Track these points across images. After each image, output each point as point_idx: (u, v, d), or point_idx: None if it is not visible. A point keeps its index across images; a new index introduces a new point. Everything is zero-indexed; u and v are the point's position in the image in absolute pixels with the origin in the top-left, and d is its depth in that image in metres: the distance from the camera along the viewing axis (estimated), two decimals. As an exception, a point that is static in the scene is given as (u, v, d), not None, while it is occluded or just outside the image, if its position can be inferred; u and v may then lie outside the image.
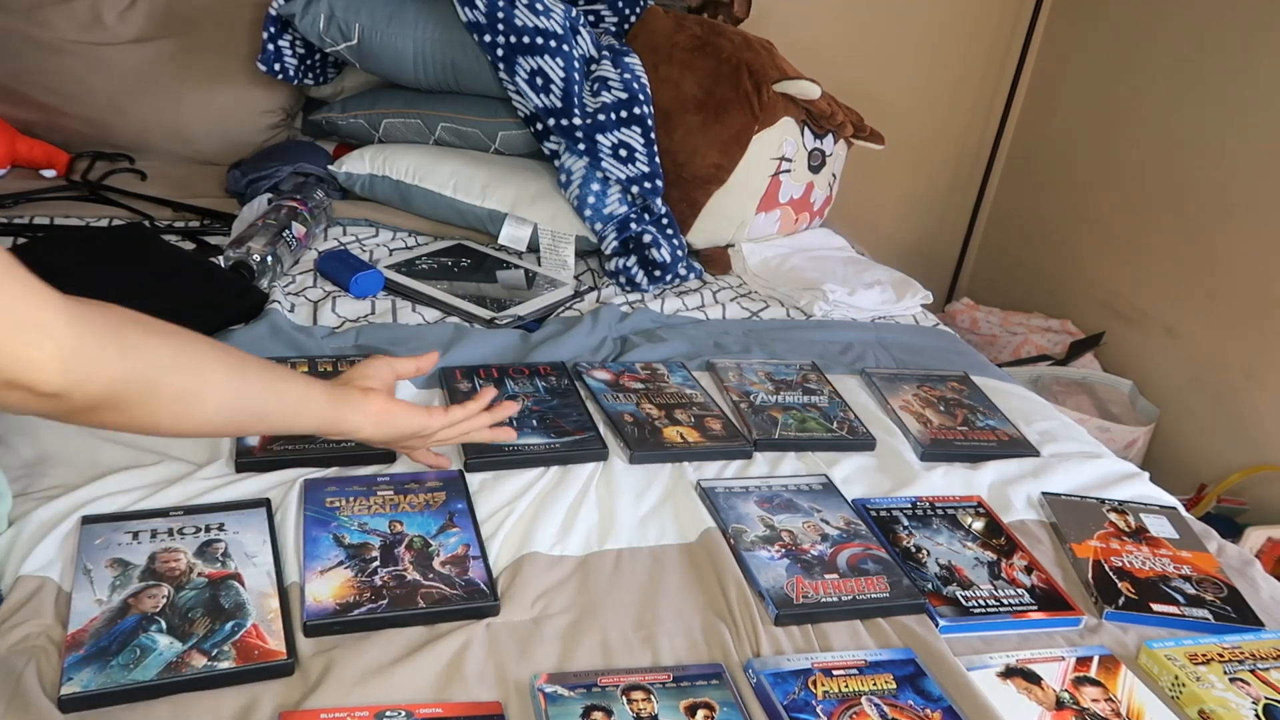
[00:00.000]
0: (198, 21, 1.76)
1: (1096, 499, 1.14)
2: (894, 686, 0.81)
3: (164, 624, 0.75)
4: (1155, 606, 0.97)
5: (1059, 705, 0.82)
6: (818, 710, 0.77)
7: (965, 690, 0.81)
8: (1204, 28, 2.10)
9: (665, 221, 1.59)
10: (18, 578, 0.78)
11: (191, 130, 1.75)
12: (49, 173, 1.64)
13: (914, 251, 2.76)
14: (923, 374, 1.39)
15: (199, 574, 0.81)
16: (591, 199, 1.54)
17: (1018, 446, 1.23)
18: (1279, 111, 1.92)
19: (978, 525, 1.05)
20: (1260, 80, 1.96)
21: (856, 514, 1.03)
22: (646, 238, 1.53)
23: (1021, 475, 1.17)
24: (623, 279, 1.53)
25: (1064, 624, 0.93)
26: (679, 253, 1.57)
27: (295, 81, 1.77)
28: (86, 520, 0.85)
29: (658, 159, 1.57)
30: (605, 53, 1.62)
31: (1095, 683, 0.85)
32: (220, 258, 1.34)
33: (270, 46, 1.70)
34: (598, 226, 1.55)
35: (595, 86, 1.57)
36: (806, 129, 1.70)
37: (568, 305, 1.47)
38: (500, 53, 1.52)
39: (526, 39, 1.51)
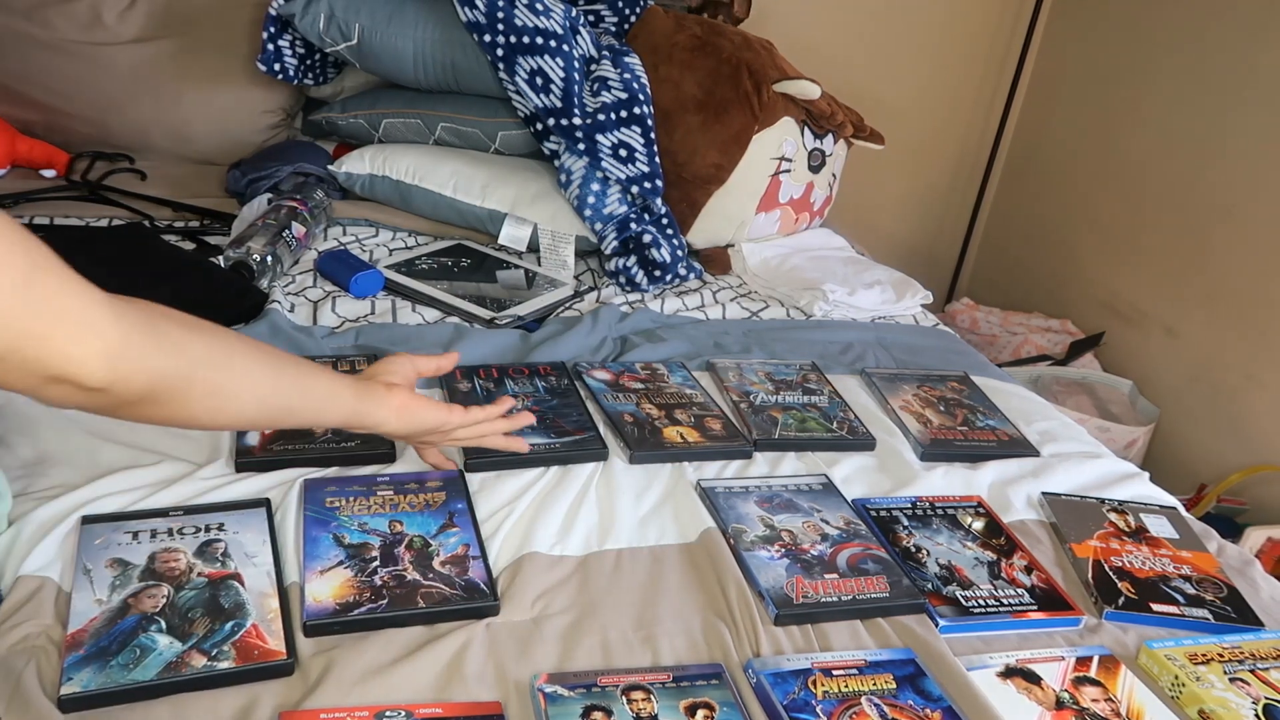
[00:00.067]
0: (198, 21, 1.76)
1: (1096, 499, 1.14)
2: (894, 686, 0.81)
3: (164, 624, 0.75)
4: (1155, 606, 0.97)
5: (1059, 705, 0.82)
6: (817, 710, 0.77)
7: (965, 690, 0.81)
8: (1204, 28, 2.10)
9: (665, 221, 1.59)
10: (18, 578, 0.78)
11: (191, 130, 1.75)
12: (49, 173, 1.64)
13: (914, 251, 2.76)
14: (923, 374, 1.39)
15: (199, 574, 0.81)
16: (591, 199, 1.54)
17: (1018, 446, 1.23)
18: (1279, 111, 1.92)
19: (978, 525, 1.05)
20: (1260, 80, 1.96)
21: (856, 514, 1.03)
22: (646, 238, 1.53)
23: (1021, 475, 1.17)
24: (623, 279, 1.53)
25: (1064, 624, 0.93)
26: (679, 253, 1.57)
27: (295, 81, 1.77)
28: (86, 520, 0.85)
29: (658, 159, 1.57)
30: (605, 53, 1.62)
31: (1095, 683, 0.85)
32: (220, 258, 1.34)
33: (270, 46, 1.70)
34: (598, 226, 1.55)
35: (595, 86, 1.57)
36: (806, 129, 1.70)
37: (568, 305, 1.47)
38: (500, 53, 1.52)
39: (526, 39, 1.51)
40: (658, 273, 1.53)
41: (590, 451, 1.07)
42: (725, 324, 1.49)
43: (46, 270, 0.58)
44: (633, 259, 1.53)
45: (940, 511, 1.06)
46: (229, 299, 1.25)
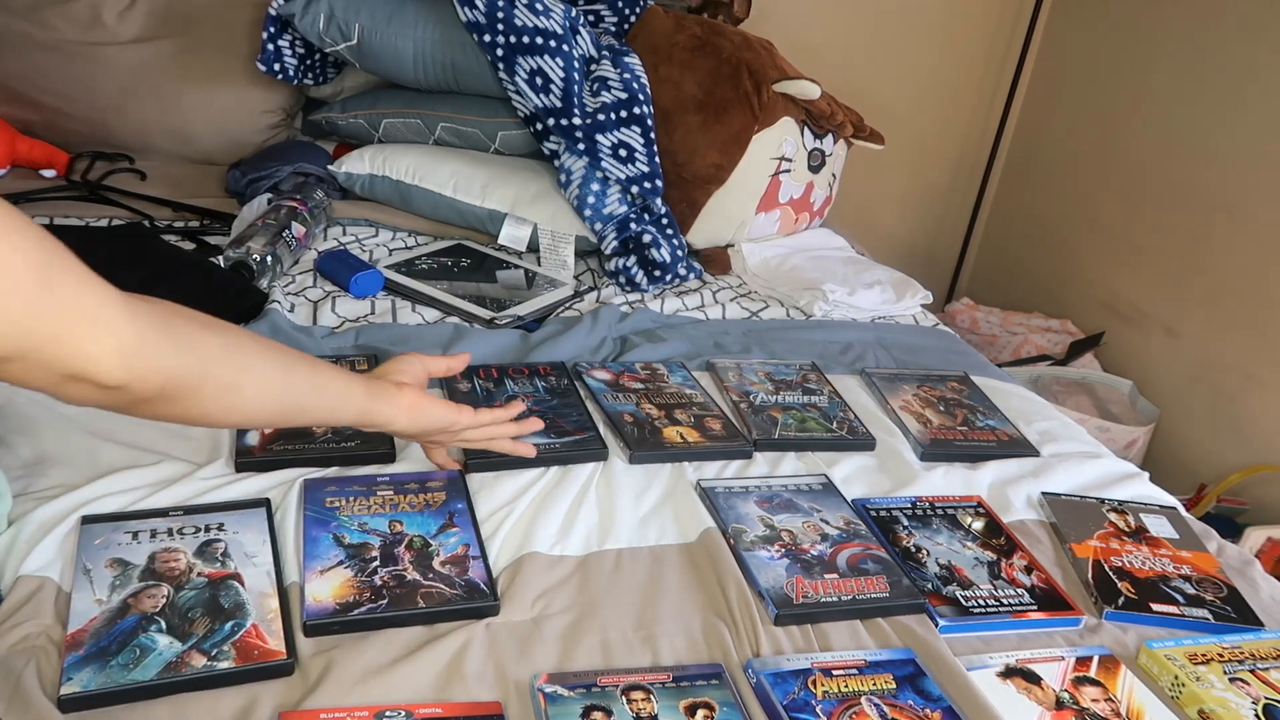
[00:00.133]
0: (198, 21, 1.76)
1: (1096, 499, 1.14)
2: (894, 686, 0.81)
3: (164, 624, 0.75)
4: (1155, 606, 0.97)
5: (1059, 705, 0.82)
6: (817, 710, 0.77)
7: (965, 690, 0.81)
8: (1204, 28, 2.10)
9: (665, 221, 1.59)
10: (17, 578, 0.78)
11: (191, 130, 1.75)
12: (49, 173, 1.64)
13: (914, 251, 2.76)
14: (923, 374, 1.39)
15: (199, 574, 0.81)
16: (591, 199, 1.54)
17: (1018, 446, 1.23)
18: (1278, 111, 1.92)
19: (977, 525, 1.05)
20: (1260, 80, 1.96)
21: (856, 514, 1.03)
22: (646, 238, 1.53)
23: (1021, 475, 1.17)
24: (623, 279, 1.53)
25: (1064, 624, 0.93)
26: (679, 253, 1.57)
27: (295, 81, 1.77)
28: (86, 520, 0.85)
29: (657, 159, 1.57)
30: (605, 53, 1.62)
31: (1095, 683, 0.85)
32: (220, 258, 1.34)
33: (270, 46, 1.70)
34: (597, 226, 1.55)
35: (595, 86, 1.57)
36: (806, 129, 1.70)
37: (567, 305, 1.47)
38: (500, 53, 1.52)
39: (526, 39, 1.51)
40: (658, 273, 1.53)
41: (590, 451, 1.07)
42: (725, 324, 1.49)
43: (65, 270, 0.58)
44: (633, 259, 1.53)
45: (940, 511, 1.06)
46: (229, 299, 1.25)
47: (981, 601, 0.93)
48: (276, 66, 1.72)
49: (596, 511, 0.99)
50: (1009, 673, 0.85)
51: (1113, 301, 2.32)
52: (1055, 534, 1.08)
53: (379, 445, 1.02)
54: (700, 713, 0.75)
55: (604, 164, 1.53)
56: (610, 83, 1.56)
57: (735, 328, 1.47)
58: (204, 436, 1.00)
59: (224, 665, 0.72)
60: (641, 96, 1.56)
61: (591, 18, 1.74)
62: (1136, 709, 0.83)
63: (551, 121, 1.54)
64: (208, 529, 0.86)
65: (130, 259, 1.28)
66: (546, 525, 0.95)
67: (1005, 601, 0.93)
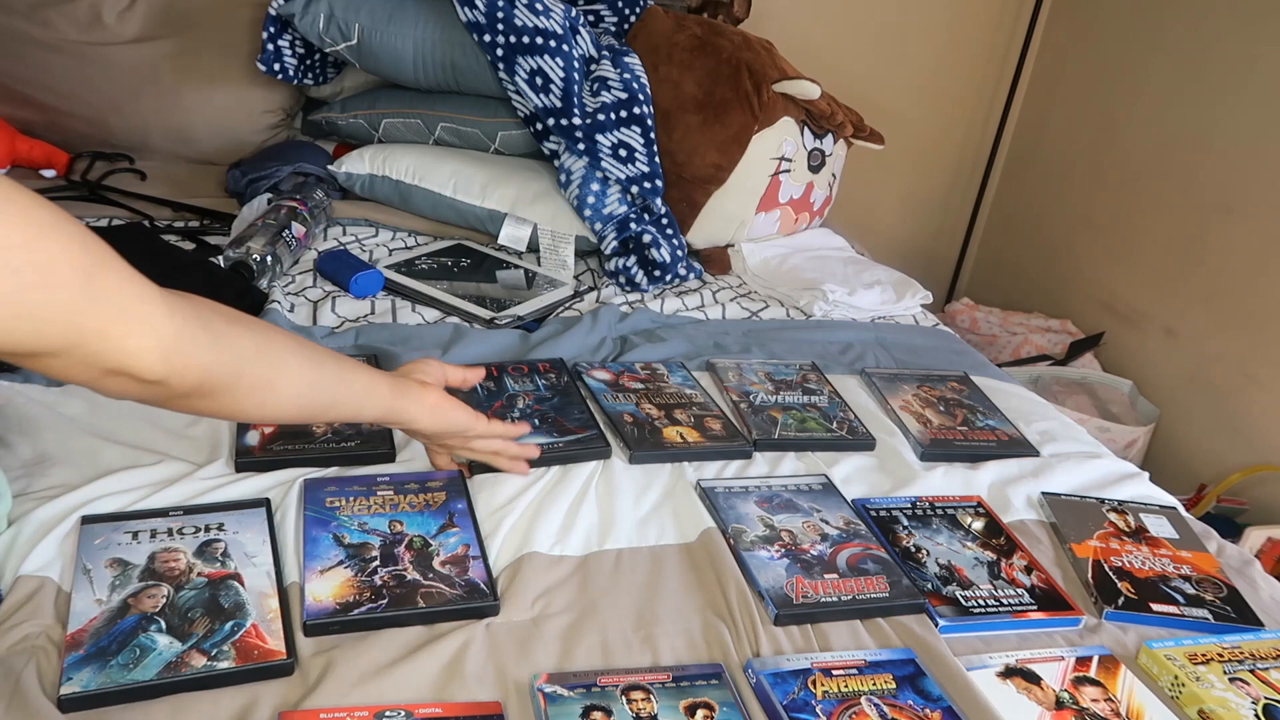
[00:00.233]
0: (198, 21, 1.76)
1: (1096, 499, 1.14)
2: (893, 686, 0.81)
3: (163, 624, 0.75)
4: (1155, 606, 0.97)
5: (1059, 705, 0.82)
6: (817, 710, 0.77)
7: (965, 690, 0.81)
8: (1202, 28, 2.10)
9: (665, 221, 1.59)
10: (17, 578, 0.78)
11: (191, 130, 1.76)
12: (49, 172, 1.64)
13: (914, 251, 2.76)
14: (922, 374, 1.39)
15: (198, 574, 0.81)
16: (591, 199, 1.54)
17: (1017, 446, 1.23)
18: (1278, 111, 1.92)
19: (977, 525, 1.05)
20: (1259, 80, 1.96)
21: (856, 514, 1.03)
22: (646, 238, 1.53)
23: (1021, 475, 1.17)
24: (622, 279, 1.53)
25: (1063, 624, 0.93)
26: (679, 253, 1.57)
27: (295, 81, 1.77)
28: (86, 520, 0.85)
29: (657, 159, 1.57)
30: (605, 53, 1.62)
31: (1095, 683, 0.85)
32: (220, 258, 1.34)
33: (270, 46, 1.70)
34: (597, 226, 1.55)
35: (595, 86, 1.57)
36: (806, 129, 1.70)
37: (567, 305, 1.47)
38: (500, 53, 1.52)
39: (526, 39, 1.51)
40: (657, 273, 1.53)
41: (593, 450, 1.07)
42: (725, 324, 1.49)
43: (106, 267, 0.60)
44: (632, 259, 1.53)
45: (940, 511, 1.06)
46: (229, 299, 1.24)
47: (981, 601, 0.93)
48: (276, 66, 1.72)
49: (596, 511, 0.99)
50: (1009, 673, 0.85)
51: (1112, 301, 2.32)
52: (1055, 534, 1.08)
53: (379, 445, 1.02)
54: (700, 713, 0.75)
55: (604, 164, 1.53)
56: (610, 83, 1.56)
57: (735, 328, 1.47)
58: (204, 436, 1.00)
59: (224, 665, 0.72)
60: (641, 96, 1.56)
61: (591, 18, 1.74)
62: (1136, 709, 0.83)
63: (551, 121, 1.54)
64: (208, 529, 0.86)
65: (130, 259, 1.28)
66: (546, 525, 0.95)
67: (1005, 601, 0.93)
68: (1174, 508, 1.16)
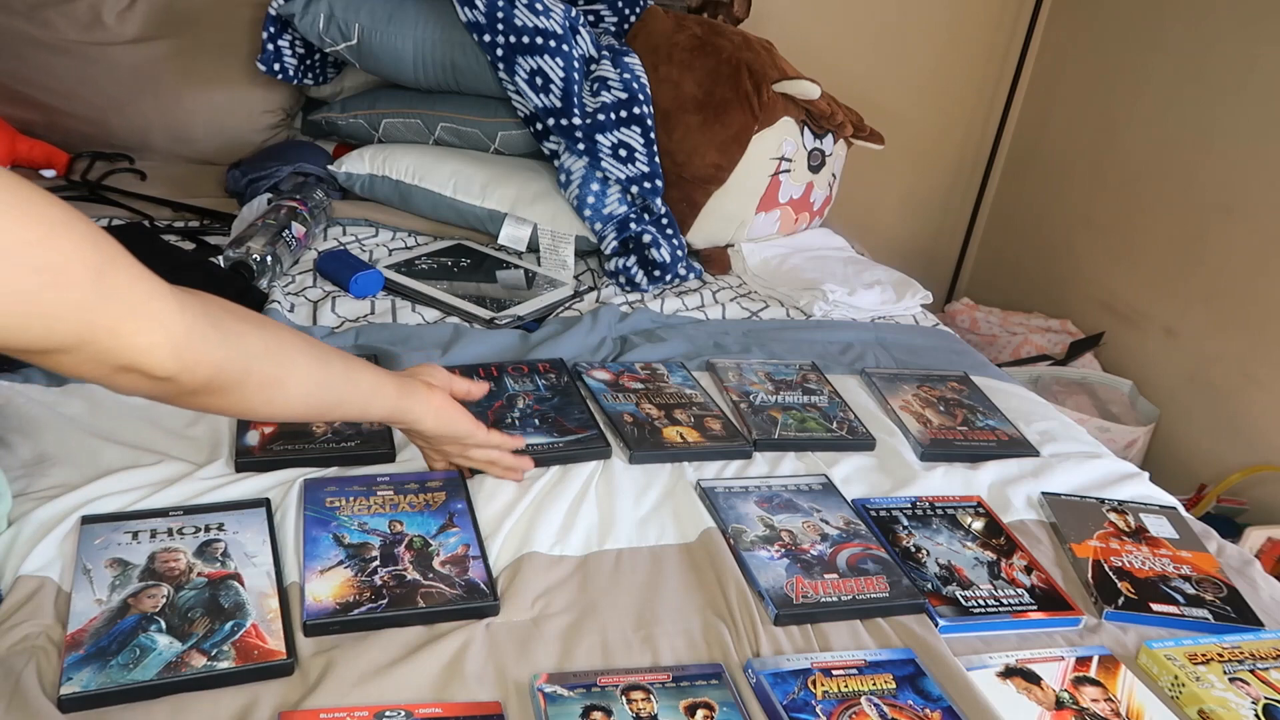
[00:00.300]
0: (198, 21, 1.76)
1: (1096, 499, 1.14)
2: (893, 686, 0.81)
3: (163, 624, 0.75)
4: (1155, 606, 0.97)
5: (1059, 705, 0.82)
6: (817, 710, 0.77)
7: (965, 690, 0.81)
8: (1203, 28, 2.10)
9: (665, 221, 1.59)
10: (17, 578, 0.78)
11: (191, 130, 1.76)
12: (49, 173, 1.64)
13: (914, 251, 2.76)
14: (922, 374, 1.39)
15: (198, 574, 0.81)
16: (591, 199, 1.54)
17: (1018, 446, 1.23)
18: (1278, 111, 1.92)
19: (977, 525, 1.05)
20: (1259, 80, 1.96)
21: (856, 514, 1.03)
22: (646, 238, 1.53)
23: (1021, 475, 1.17)
24: (622, 279, 1.53)
25: (1063, 624, 0.93)
26: (679, 253, 1.57)
27: (295, 81, 1.77)
28: (86, 520, 0.85)
29: (657, 159, 1.57)
30: (605, 53, 1.62)
31: (1095, 683, 0.85)
32: (220, 258, 1.34)
33: (270, 46, 1.70)
34: (597, 226, 1.55)
35: (595, 86, 1.57)
36: (806, 129, 1.70)
37: (567, 305, 1.47)
38: (500, 53, 1.52)
39: (526, 39, 1.51)
40: (657, 273, 1.53)
41: (594, 449, 1.07)
42: (725, 324, 1.49)
43: (117, 264, 0.60)
44: (632, 259, 1.53)
45: (940, 511, 1.06)
46: (229, 299, 1.24)
47: (981, 601, 0.93)
48: (276, 66, 1.72)
49: (596, 511, 0.99)
50: (1009, 673, 0.85)
51: (1112, 301, 2.32)
52: (1055, 534, 1.08)
53: (379, 445, 1.02)
54: (700, 713, 0.75)
55: (604, 164, 1.53)
56: (610, 83, 1.56)
57: (735, 328, 1.47)
58: (204, 436, 1.00)
59: (224, 665, 0.72)
60: (641, 96, 1.56)
61: (591, 18, 1.74)
62: (1136, 709, 0.83)
63: (551, 121, 1.54)
64: (208, 529, 0.86)
65: (130, 259, 1.28)
66: (546, 525, 0.95)
67: (1005, 601, 0.93)
68: (1174, 508, 1.16)
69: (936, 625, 0.90)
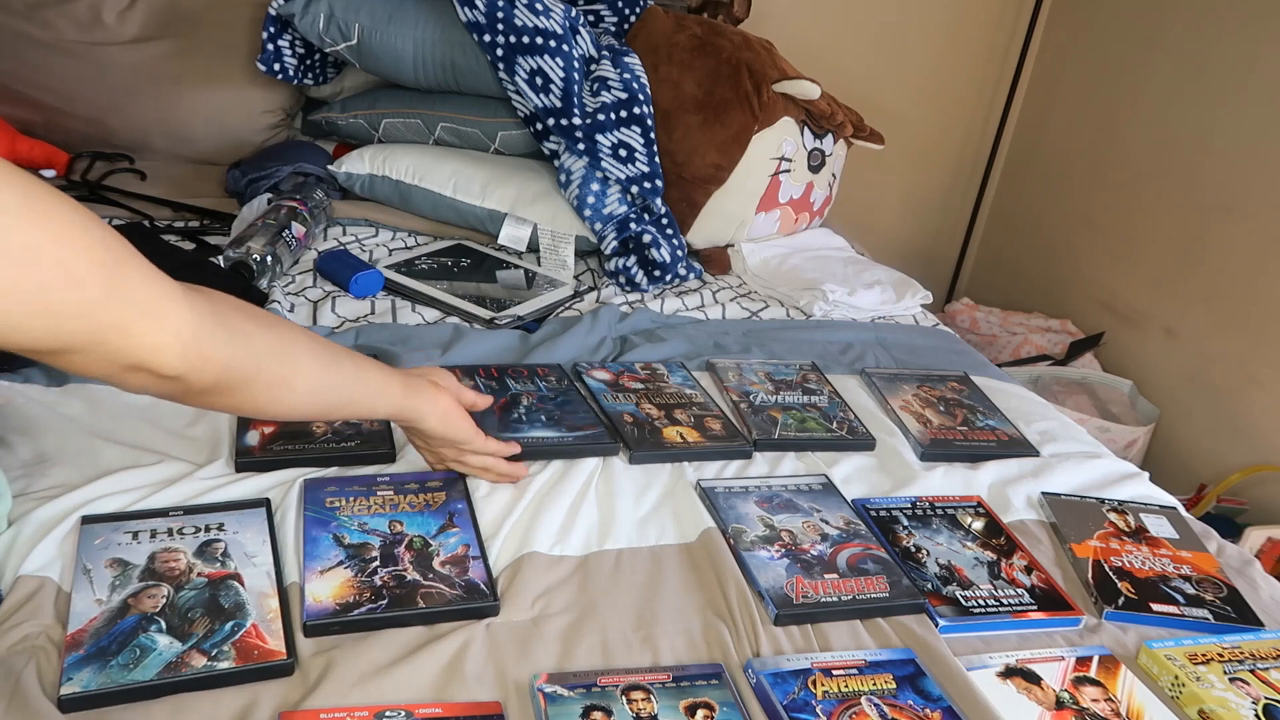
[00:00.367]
0: (198, 21, 1.76)
1: (1096, 499, 1.14)
2: (894, 686, 0.81)
3: (164, 624, 0.75)
4: (1155, 606, 0.97)
5: (1059, 705, 0.82)
6: (817, 710, 0.77)
7: (965, 690, 0.81)
8: (1202, 28, 2.10)
9: (665, 221, 1.59)
10: (17, 578, 0.78)
11: (191, 130, 1.75)
12: (49, 173, 1.64)
13: (914, 251, 2.76)
14: (922, 374, 1.39)
15: (199, 574, 0.81)
16: (591, 199, 1.54)
17: (1018, 446, 1.23)
18: (1278, 111, 1.92)
19: (977, 525, 1.05)
20: (1259, 80, 1.96)
21: (856, 514, 1.03)
22: (646, 238, 1.53)
23: (1021, 475, 1.17)
24: (622, 279, 1.53)
25: (1064, 624, 0.93)
26: (679, 253, 1.57)
27: (295, 81, 1.77)
28: (86, 520, 0.85)
29: (657, 159, 1.57)
30: (605, 53, 1.62)
31: (1095, 683, 0.85)
32: (220, 258, 1.34)
33: (270, 46, 1.70)
34: (597, 226, 1.55)
35: (595, 86, 1.57)
36: (806, 129, 1.70)
37: (567, 305, 1.47)
38: (500, 53, 1.52)
39: (526, 39, 1.51)
40: (657, 273, 1.53)
41: (603, 445, 1.07)
42: (725, 324, 1.49)
43: (128, 264, 0.61)
44: (632, 259, 1.53)
45: (940, 511, 1.06)
46: (229, 299, 1.25)
47: (981, 601, 0.93)
48: (276, 66, 1.72)
49: (596, 511, 0.99)
50: (1009, 673, 0.85)
51: (1112, 301, 2.32)
52: (1055, 534, 1.08)
53: (379, 445, 1.02)
54: (700, 713, 0.75)
55: (604, 164, 1.53)
56: (610, 83, 1.56)
57: (735, 328, 1.47)
58: (204, 437, 1.00)
59: (224, 665, 0.72)
60: (641, 96, 1.56)
61: (591, 18, 1.74)
62: (1136, 709, 0.83)
63: (551, 121, 1.54)
64: (208, 529, 0.86)
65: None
66: (546, 525, 0.95)
67: (1005, 601, 0.93)
68: (1174, 508, 1.16)
69: (936, 625, 0.90)
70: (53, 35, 1.67)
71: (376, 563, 0.86)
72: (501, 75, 1.54)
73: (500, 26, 1.51)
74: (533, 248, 1.59)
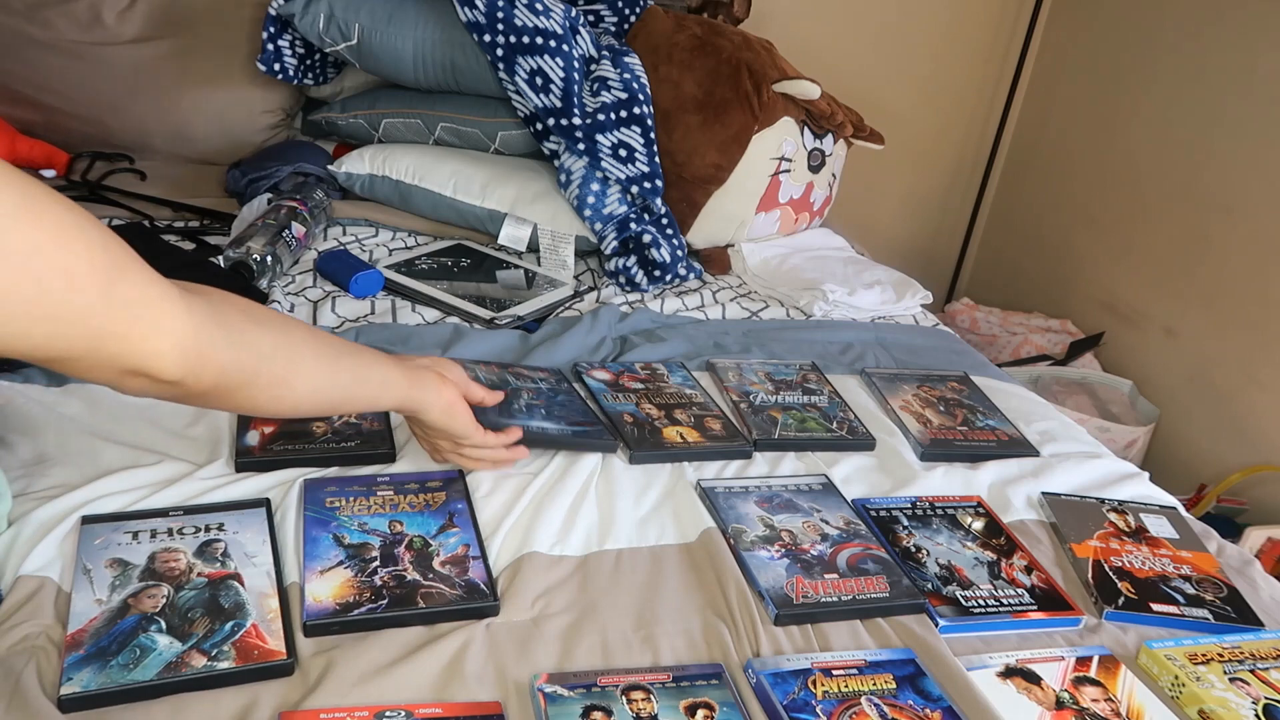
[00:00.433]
0: (198, 21, 1.76)
1: (1096, 499, 1.14)
2: (894, 686, 0.81)
3: (164, 624, 0.75)
4: (1155, 606, 0.97)
5: (1059, 705, 0.82)
6: (817, 710, 0.77)
7: (965, 690, 0.81)
8: (1203, 28, 2.10)
9: (665, 221, 1.59)
10: (17, 578, 0.78)
11: (191, 130, 1.76)
12: (49, 173, 1.64)
13: (914, 251, 2.76)
14: (922, 374, 1.39)
15: (199, 574, 0.81)
16: (591, 199, 1.54)
17: (1018, 446, 1.23)
18: (1278, 111, 1.92)
19: (977, 525, 1.05)
20: (1259, 80, 1.96)
21: (856, 514, 1.03)
22: (646, 238, 1.53)
23: (1021, 475, 1.17)
24: (622, 279, 1.53)
25: (1064, 624, 0.93)
26: (679, 253, 1.57)
27: (295, 81, 1.77)
28: (86, 520, 0.85)
29: (657, 159, 1.57)
30: (605, 53, 1.62)
31: (1095, 683, 0.85)
32: (220, 258, 1.34)
33: (270, 46, 1.70)
34: (597, 226, 1.55)
35: (595, 86, 1.57)
36: (806, 129, 1.70)
37: (567, 305, 1.47)
38: (500, 53, 1.52)
39: (526, 39, 1.51)
40: (657, 273, 1.53)
41: (604, 441, 1.07)
42: (725, 324, 1.49)
43: (126, 268, 0.60)
44: (632, 259, 1.53)
45: (940, 511, 1.06)
46: (229, 299, 1.25)
47: (981, 601, 0.93)
48: (276, 66, 1.72)
49: (596, 511, 0.99)
50: (1009, 673, 0.85)
51: (1112, 301, 2.32)
52: (1055, 534, 1.08)
53: (379, 445, 1.02)
54: (700, 713, 0.75)
55: (604, 164, 1.53)
56: (610, 83, 1.56)
57: (735, 328, 1.47)
58: (204, 436, 1.00)
59: (224, 665, 0.72)
60: (641, 96, 1.56)
61: (591, 18, 1.74)
62: (1136, 709, 0.83)
63: (551, 121, 1.54)
64: (208, 529, 0.86)
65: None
66: (546, 525, 0.95)
67: (1005, 601, 0.93)
68: (1174, 508, 1.16)
69: (936, 625, 0.90)
70: (53, 35, 1.67)
71: (376, 563, 0.86)
72: (501, 75, 1.54)
73: (500, 26, 1.51)
74: (533, 248, 1.59)
